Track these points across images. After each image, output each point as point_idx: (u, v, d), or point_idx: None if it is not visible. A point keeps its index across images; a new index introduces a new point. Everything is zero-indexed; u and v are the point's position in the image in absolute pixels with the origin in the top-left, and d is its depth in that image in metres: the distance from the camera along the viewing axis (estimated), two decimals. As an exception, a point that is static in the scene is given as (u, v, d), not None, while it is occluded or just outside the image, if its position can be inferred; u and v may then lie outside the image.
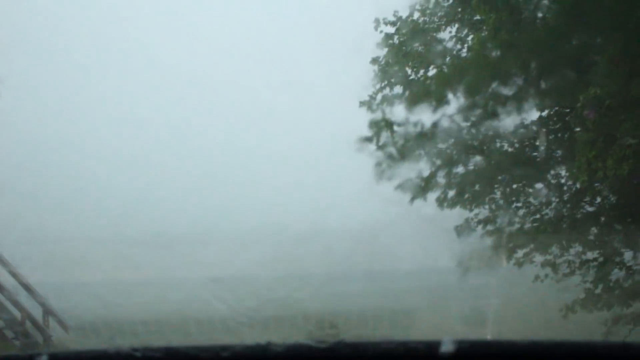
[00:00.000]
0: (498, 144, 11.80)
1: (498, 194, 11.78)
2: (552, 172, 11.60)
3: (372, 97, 12.00)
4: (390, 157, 11.84)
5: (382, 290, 18.38)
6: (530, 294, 12.12)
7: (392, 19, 11.76)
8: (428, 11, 11.62)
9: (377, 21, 11.82)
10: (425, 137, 11.76)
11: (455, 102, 11.66)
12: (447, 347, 1.68)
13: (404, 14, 11.81)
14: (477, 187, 11.71)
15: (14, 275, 12.85)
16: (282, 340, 1.79)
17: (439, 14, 11.53)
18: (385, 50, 11.82)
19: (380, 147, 11.83)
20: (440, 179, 11.91)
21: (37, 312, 12.96)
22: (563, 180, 11.47)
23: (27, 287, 12.95)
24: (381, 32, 11.89)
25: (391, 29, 11.77)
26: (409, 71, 11.74)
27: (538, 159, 11.50)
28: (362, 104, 12.04)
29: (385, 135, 11.88)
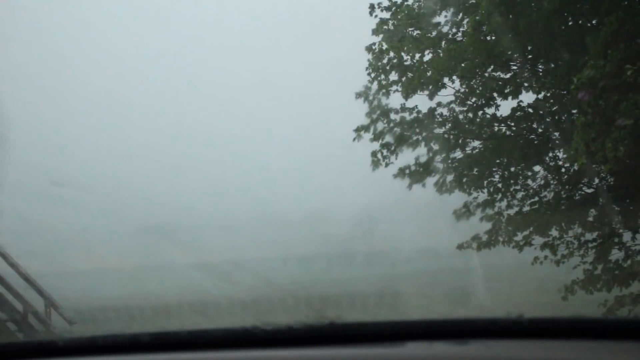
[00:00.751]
0: (495, 128, 11.89)
1: (496, 178, 11.87)
2: (550, 154, 11.69)
3: (368, 87, 12.12)
4: (386, 145, 11.97)
5: (381, 274, 18.60)
6: (529, 276, 12.25)
7: (387, 3, 11.82)
8: (422, -5, 11.67)
9: (372, 7, 11.86)
10: (422, 122, 11.88)
11: (451, 86, 11.78)
12: (437, 326, 1.77)
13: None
14: (475, 171, 11.80)
15: (14, 267, 12.98)
16: (283, 322, 1.88)
17: (433, -2, 11.58)
18: (380, 36, 11.89)
19: (376, 136, 11.97)
20: (438, 164, 12.03)
21: (38, 304, 13.09)
22: (561, 163, 11.55)
23: (28, 279, 13.09)
24: (376, 16, 11.95)
25: (386, 15, 11.84)
26: (405, 57, 11.81)
27: (536, 142, 11.60)
28: (358, 95, 12.15)
29: (381, 124, 12.02)
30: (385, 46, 11.78)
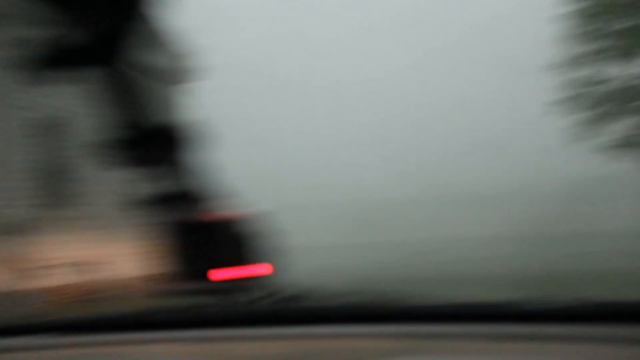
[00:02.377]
0: None
1: None
2: None
3: (570, 56, 11.62)
4: (590, 118, 11.46)
5: (592, 253, 17.67)
6: None
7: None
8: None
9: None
10: (631, 92, 11.18)
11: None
12: None
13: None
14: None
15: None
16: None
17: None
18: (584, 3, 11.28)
19: (578, 109, 11.48)
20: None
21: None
22: None
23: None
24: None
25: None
26: (613, 23, 11.11)
27: None
28: (552, 65, 11.71)
29: (585, 93, 11.49)
30: (592, 12, 11.12)
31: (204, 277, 1.24)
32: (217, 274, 1.26)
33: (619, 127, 11.57)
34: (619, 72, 11.38)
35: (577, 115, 11.73)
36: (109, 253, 12.55)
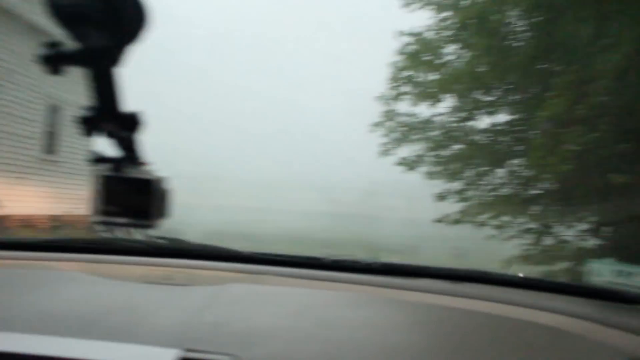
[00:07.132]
0: (476, 137, 13.62)
1: (470, 173, 13.64)
2: (512, 161, 13.42)
3: (387, 93, 13.93)
4: (393, 140, 13.83)
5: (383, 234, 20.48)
6: (485, 249, 14.06)
7: (411, 32, 13.38)
8: (438, 31, 13.30)
9: (398, 33, 13.44)
10: (422, 126, 13.70)
11: (447, 101, 13.55)
12: (443, 271, 1.92)
13: (420, 28, 13.52)
14: (455, 166, 13.56)
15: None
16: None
17: (446, 34, 13.22)
18: (402, 56, 13.55)
19: (387, 132, 13.83)
20: (429, 158, 13.82)
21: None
22: (518, 169, 13.32)
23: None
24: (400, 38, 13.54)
25: (410, 39, 13.44)
26: (418, 74, 13.50)
27: (502, 151, 13.35)
28: (378, 98, 13.92)
29: (390, 123, 13.87)
30: (404, 64, 13.45)
31: (119, 216, 1.31)
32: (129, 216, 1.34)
33: (409, 150, 14.08)
34: (417, 110, 13.88)
35: (387, 136, 14.09)
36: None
